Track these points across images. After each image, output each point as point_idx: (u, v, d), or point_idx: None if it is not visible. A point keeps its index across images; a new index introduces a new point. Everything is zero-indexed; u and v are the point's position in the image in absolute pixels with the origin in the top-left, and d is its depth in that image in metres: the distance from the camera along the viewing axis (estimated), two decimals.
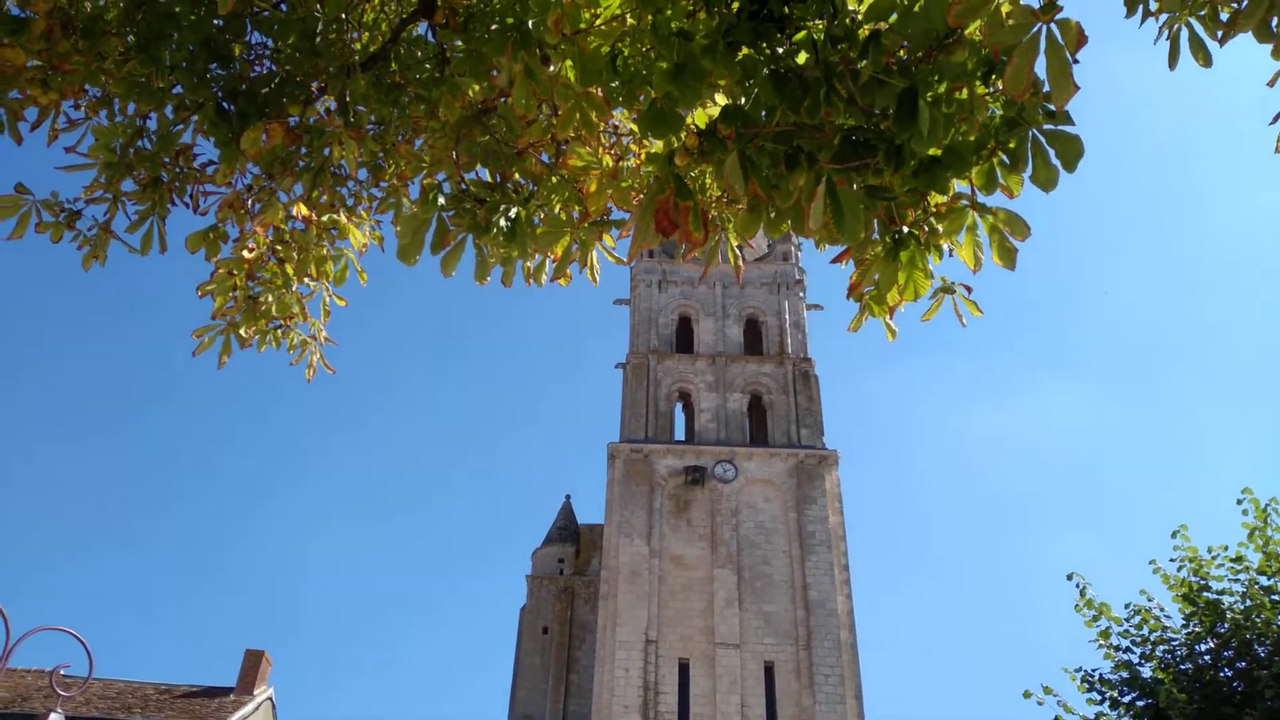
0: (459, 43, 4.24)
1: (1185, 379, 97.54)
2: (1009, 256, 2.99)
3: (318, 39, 4.71)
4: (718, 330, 39.06)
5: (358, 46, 4.84)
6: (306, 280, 4.96)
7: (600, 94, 3.54)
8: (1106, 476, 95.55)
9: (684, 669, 31.64)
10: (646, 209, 2.82)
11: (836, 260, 3.26)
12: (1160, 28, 3.64)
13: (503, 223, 3.67)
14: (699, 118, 3.48)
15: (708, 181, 3.13)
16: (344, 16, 4.84)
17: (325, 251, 4.69)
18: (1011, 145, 2.97)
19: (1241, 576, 10.50)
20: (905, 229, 3.05)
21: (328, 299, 5.08)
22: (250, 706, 27.58)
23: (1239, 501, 10.48)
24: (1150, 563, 10.77)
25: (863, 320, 3.83)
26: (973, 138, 3.04)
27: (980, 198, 3.08)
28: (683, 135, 2.82)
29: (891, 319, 3.84)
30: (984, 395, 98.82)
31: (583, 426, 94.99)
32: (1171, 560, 10.78)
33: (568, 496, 42.54)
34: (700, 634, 32.13)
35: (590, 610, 37.43)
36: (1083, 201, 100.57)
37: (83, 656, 10.04)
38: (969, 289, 3.60)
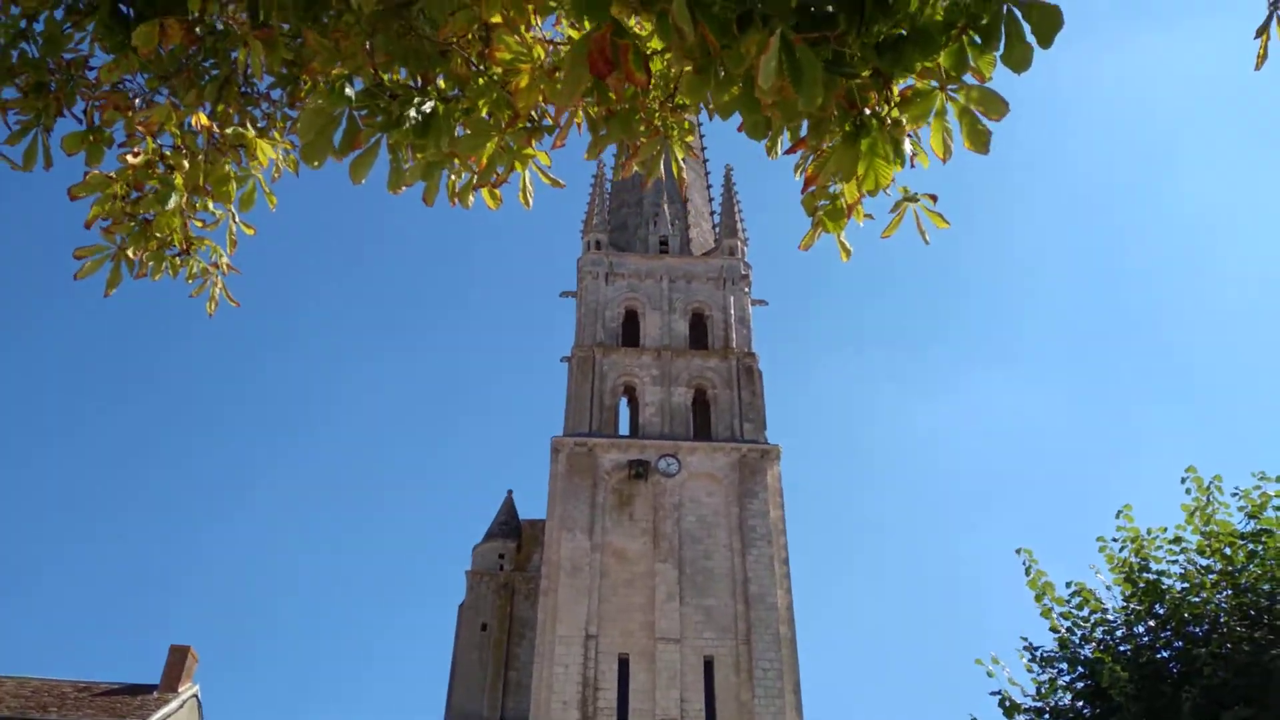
0: None
1: (1116, 366, 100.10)
2: (981, 140, 2.71)
3: None
4: (664, 324, 38.82)
5: None
6: (210, 205, 4.52)
7: None
8: (1047, 463, 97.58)
9: (624, 664, 31.32)
10: (579, 50, 2.47)
11: (791, 150, 2.95)
12: None
13: (413, 114, 3.28)
14: None
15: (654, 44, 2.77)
16: None
17: (228, 169, 4.25)
18: (984, 21, 2.68)
19: (1180, 558, 10.51)
20: (867, 112, 2.74)
21: (234, 226, 4.64)
22: (174, 704, 26.58)
23: (1182, 480, 10.48)
24: (1098, 539, 10.75)
25: (815, 236, 3.52)
26: (939, 17, 2.75)
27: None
28: None
29: (844, 231, 3.54)
30: (921, 389, 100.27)
31: (526, 420, 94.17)
32: (1114, 540, 10.76)
33: (510, 491, 41.93)
34: (641, 629, 31.83)
35: (531, 606, 36.93)
36: (1009, 189, 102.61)
37: None
38: (934, 198, 3.31)
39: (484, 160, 3.61)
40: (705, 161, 46.43)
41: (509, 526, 40.13)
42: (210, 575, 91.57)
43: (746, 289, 40.04)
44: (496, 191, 4.14)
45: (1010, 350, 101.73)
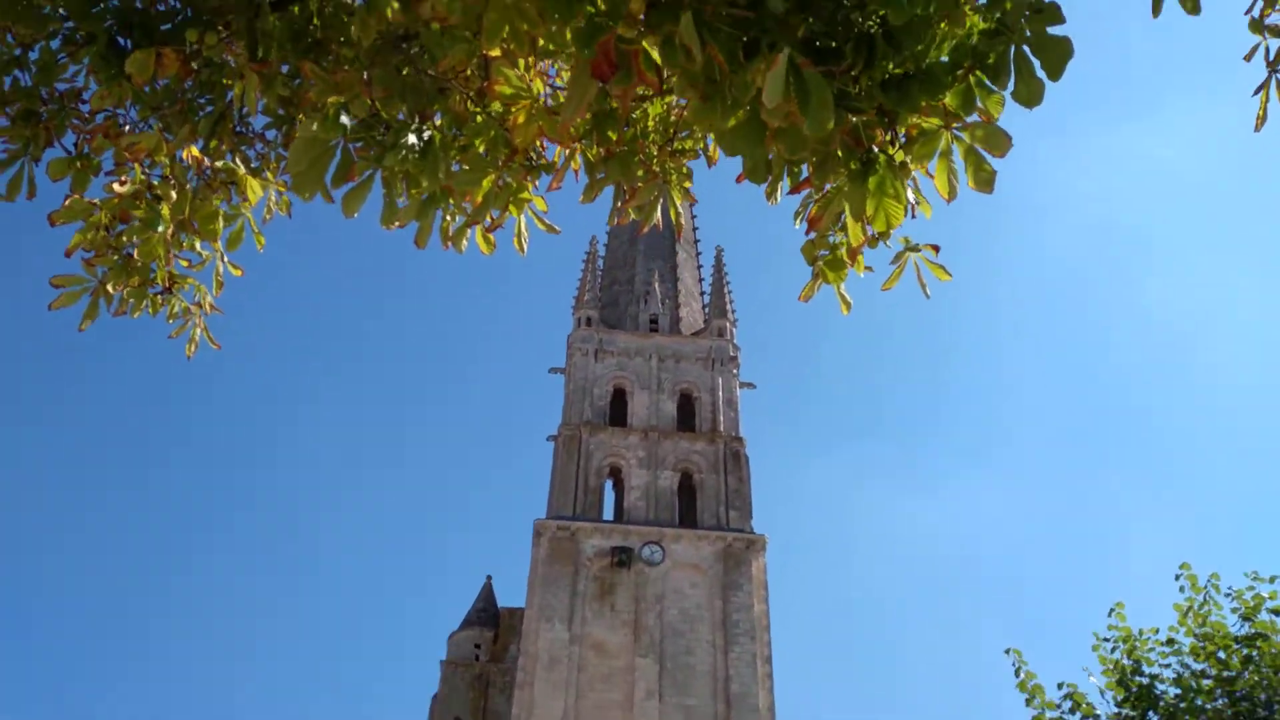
0: None
1: (1103, 462, 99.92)
2: (986, 180, 2.63)
3: None
4: (652, 404, 38.65)
5: None
6: (197, 245, 4.41)
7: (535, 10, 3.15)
8: (1037, 561, 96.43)
9: None
10: (583, 58, 2.39)
11: (795, 190, 2.87)
12: None
13: (412, 139, 3.20)
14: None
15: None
16: None
17: (216, 206, 4.15)
18: (991, 60, 2.64)
19: (1173, 660, 10.22)
20: (875, 149, 2.67)
21: (220, 266, 4.53)
22: None
23: (1176, 577, 10.25)
24: (1092, 634, 10.45)
25: (815, 287, 3.43)
26: (945, 57, 2.71)
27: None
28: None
29: (843, 284, 3.44)
30: (910, 484, 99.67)
31: (510, 500, 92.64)
32: (1106, 640, 10.46)
33: (489, 577, 40.97)
34: None
35: (506, 700, 35.70)
36: (995, 292, 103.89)
37: None
38: (935, 249, 3.23)
39: (479, 197, 3.52)
40: (697, 242, 46.94)
41: (486, 614, 39.15)
42: (169, 659, 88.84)
43: (735, 371, 40.04)
44: (490, 236, 4.05)
45: (997, 447, 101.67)
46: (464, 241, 3.98)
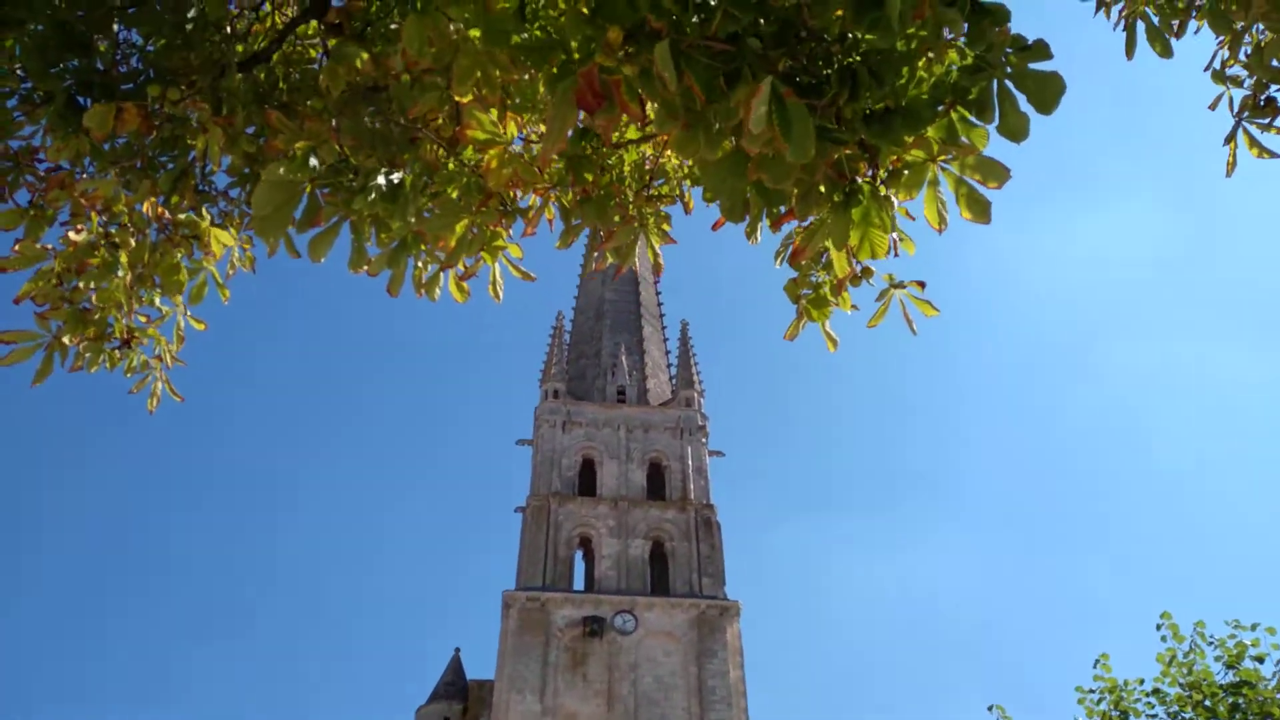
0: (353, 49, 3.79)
1: (1067, 518, 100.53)
2: (981, 209, 2.59)
3: (191, 34, 4.22)
4: (621, 474, 38.33)
5: (239, 49, 4.37)
6: (156, 300, 4.27)
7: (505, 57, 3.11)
8: (1009, 617, 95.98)
9: None
10: (564, 90, 2.32)
11: (779, 223, 2.81)
12: (1119, 15, 3.44)
13: (381, 181, 3.12)
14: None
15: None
16: (231, 15, 4.38)
17: (178, 260, 4.03)
18: (973, 95, 2.62)
19: (1159, 710, 10.07)
20: (858, 180, 2.63)
21: (182, 320, 4.38)
22: None
23: (1158, 627, 10.16)
24: (1076, 689, 10.27)
25: (800, 326, 3.36)
26: (925, 95, 2.69)
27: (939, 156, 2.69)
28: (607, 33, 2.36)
29: (828, 321, 3.38)
30: (878, 546, 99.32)
31: (477, 572, 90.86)
32: (1091, 691, 10.31)
33: (457, 650, 39.83)
34: None
35: None
36: (953, 354, 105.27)
37: None
38: (921, 285, 3.18)
39: (452, 242, 3.43)
40: (662, 316, 47.17)
41: (455, 687, 38.05)
42: None
43: (704, 439, 39.91)
44: (464, 284, 3.96)
45: (962, 507, 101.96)
46: (437, 290, 3.88)
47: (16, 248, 3.52)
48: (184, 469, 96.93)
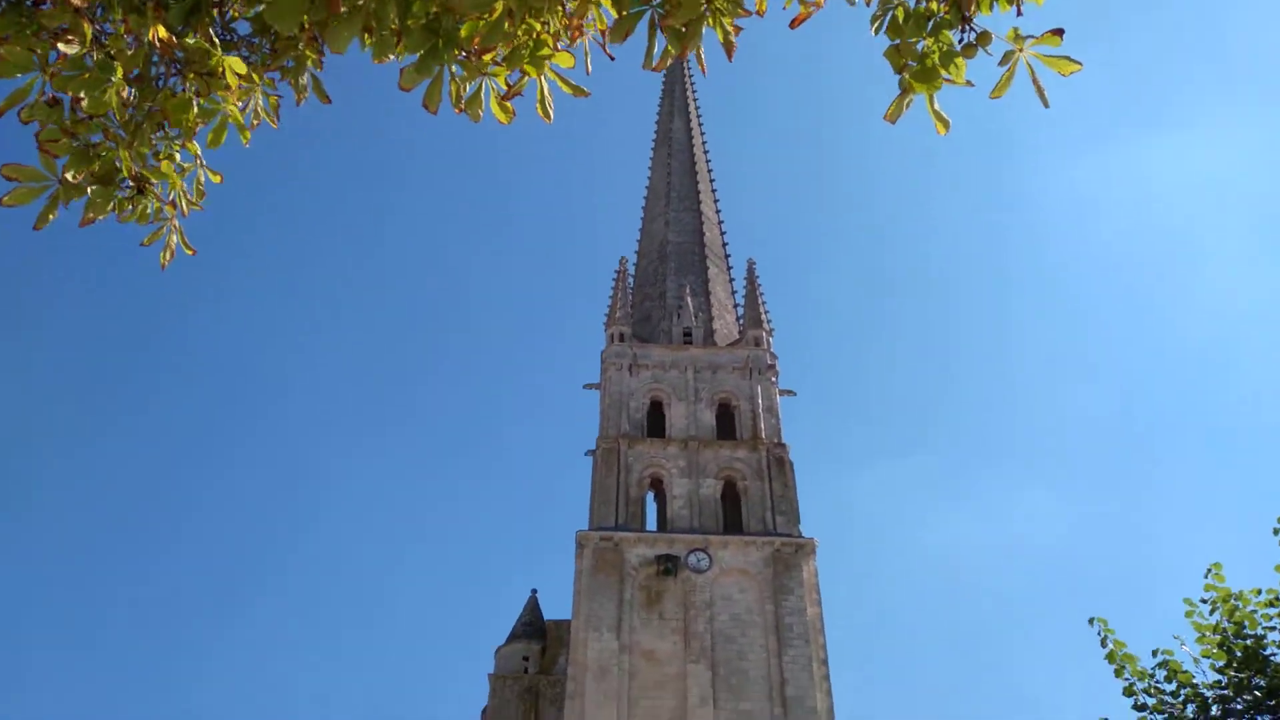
0: None
1: (1156, 469, 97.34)
2: None
3: None
4: (690, 415, 37.94)
5: None
6: (175, 147, 3.88)
7: None
8: (1093, 573, 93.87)
9: None
10: None
11: None
12: None
13: None
14: None
15: None
16: None
17: (190, 95, 3.62)
18: None
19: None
20: None
21: (203, 176, 3.99)
22: None
23: (1275, 531, 9.39)
24: (1184, 601, 9.58)
25: (905, 104, 2.81)
26: None
27: None
28: None
29: (935, 102, 2.82)
30: (951, 492, 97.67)
31: (551, 516, 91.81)
32: (1204, 601, 9.62)
33: (534, 591, 40.34)
34: None
35: (557, 711, 35.03)
36: (1037, 298, 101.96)
37: None
38: (1058, 35, 2.57)
39: (490, 35, 2.94)
40: (728, 257, 46.32)
41: (533, 627, 38.53)
42: (220, 671, 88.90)
43: (774, 379, 39.23)
44: (508, 104, 3.49)
45: (1048, 467, 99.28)
46: (479, 109, 3.42)
47: (2, 50, 3.13)
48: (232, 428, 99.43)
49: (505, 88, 3.46)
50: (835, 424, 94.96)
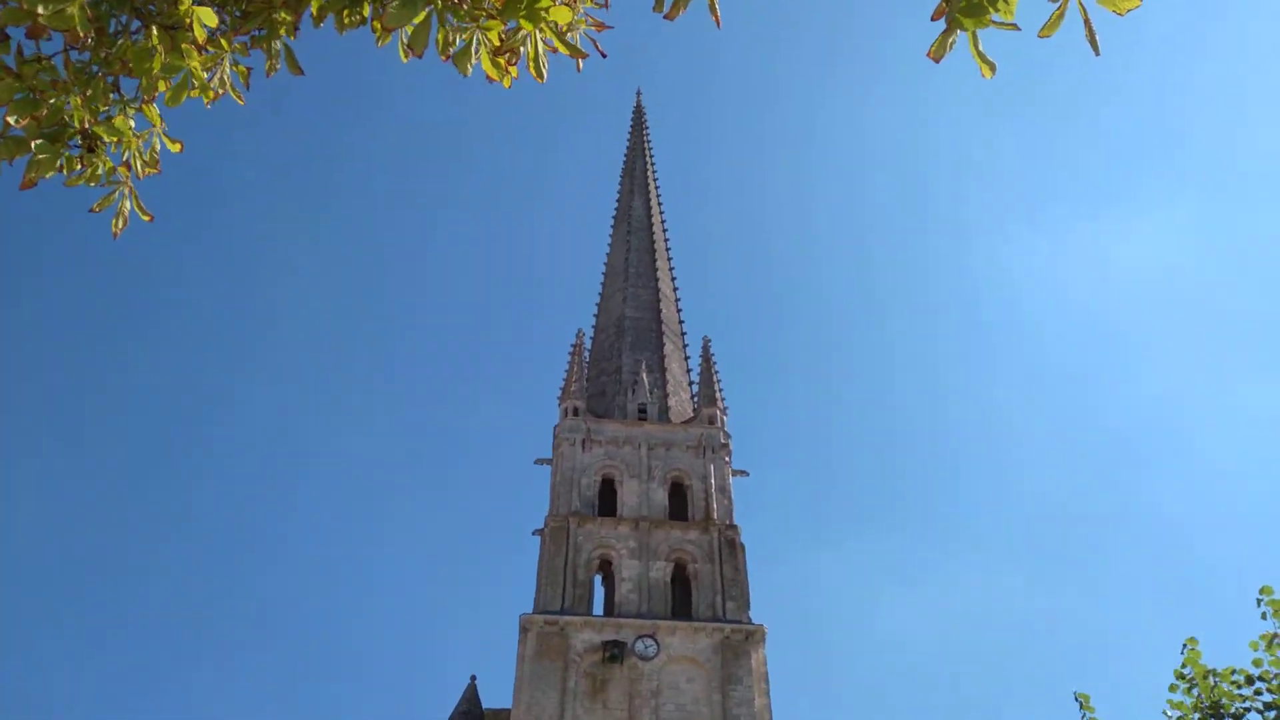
0: None
1: (1095, 546, 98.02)
2: None
3: None
4: (642, 493, 37.34)
5: None
6: (130, 109, 3.53)
7: None
8: (1057, 658, 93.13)
9: None
10: None
11: None
12: None
13: None
14: None
15: None
16: None
17: (153, 42, 3.29)
18: None
19: (1262, 696, 9.03)
20: None
21: (159, 143, 3.64)
22: None
23: (1258, 602, 9.16)
24: (1176, 675, 9.21)
25: (948, 44, 2.59)
26: None
27: None
28: None
29: (980, 45, 2.59)
30: (905, 576, 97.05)
31: (493, 597, 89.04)
32: (1180, 679, 9.30)
33: (473, 677, 38.61)
34: None
35: None
36: (993, 377, 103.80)
37: None
38: None
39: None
40: (684, 334, 46.42)
41: (470, 716, 36.88)
42: None
43: (727, 458, 38.92)
44: (500, 59, 3.22)
45: (993, 540, 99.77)
46: (469, 64, 3.14)
47: None
48: (172, 483, 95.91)
49: (497, 42, 3.19)
50: (788, 505, 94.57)
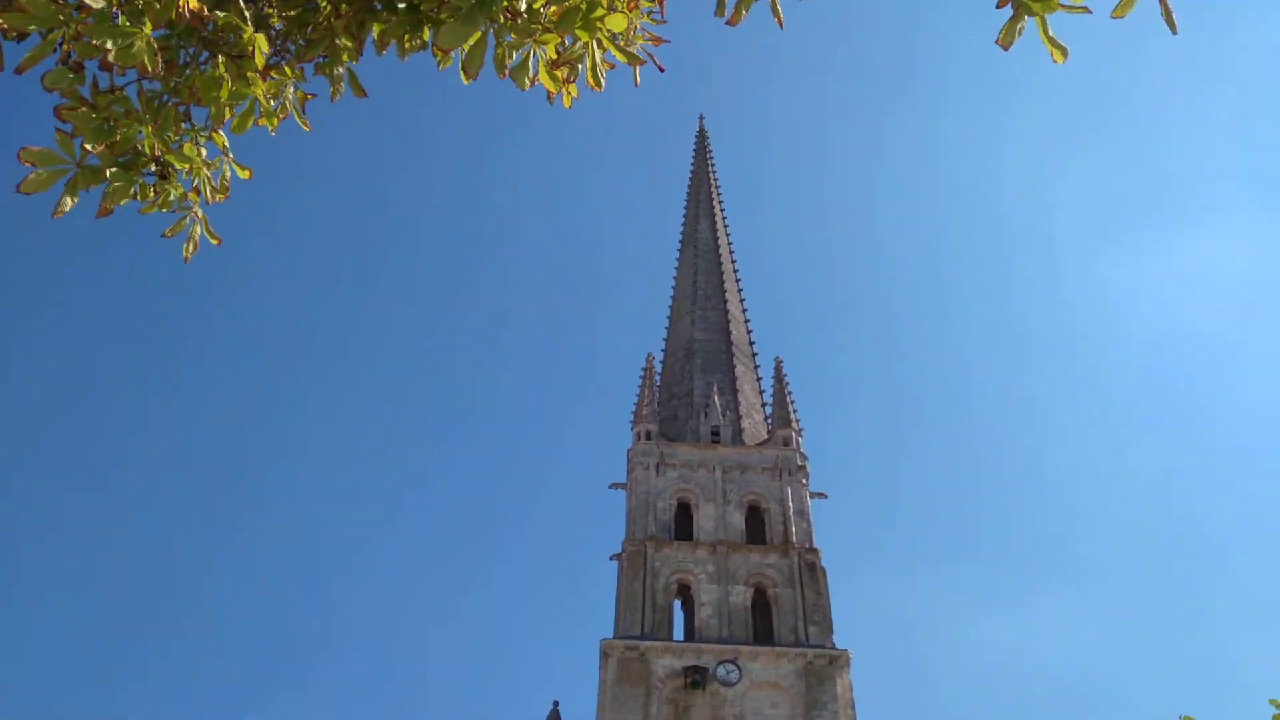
0: None
1: (1183, 585, 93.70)
2: None
3: None
4: (718, 516, 37.04)
5: None
6: (200, 137, 3.64)
7: None
8: (1123, 683, 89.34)
9: None
10: None
11: None
12: None
13: None
14: None
15: None
16: None
17: (220, 71, 3.39)
18: None
19: None
20: None
21: (228, 170, 3.74)
22: None
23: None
24: (1270, 702, 8.71)
25: (1016, 30, 2.50)
26: None
27: None
28: None
29: (1048, 28, 2.51)
30: (991, 602, 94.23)
31: (574, 622, 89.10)
32: None
33: (555, 702, 38.62)
34: None
35: None
36: (1091, 396, 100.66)
37: None
38: None
39: None
40: (755, 355, 46.10)
41: None
42: None
43: (804, 480, 38.39)
44: (558, 73, 3.24)
45: (1077, 569, 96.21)
46: (526, 77, 3.16)
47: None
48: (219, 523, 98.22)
49: (554, 55, 3.20)
50: (867, 529, 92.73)
